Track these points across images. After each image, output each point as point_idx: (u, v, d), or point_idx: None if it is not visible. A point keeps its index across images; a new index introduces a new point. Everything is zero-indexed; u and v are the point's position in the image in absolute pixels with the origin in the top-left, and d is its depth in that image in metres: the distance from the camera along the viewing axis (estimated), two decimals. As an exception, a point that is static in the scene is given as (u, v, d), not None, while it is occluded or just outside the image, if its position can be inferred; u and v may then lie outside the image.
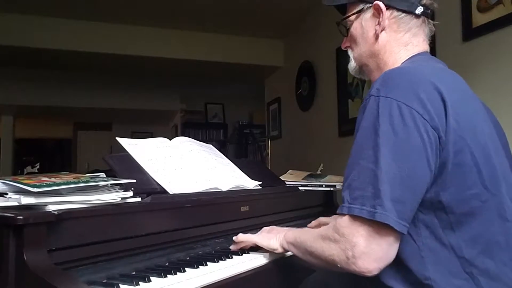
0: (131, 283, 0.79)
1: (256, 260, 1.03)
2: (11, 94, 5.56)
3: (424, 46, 0.98)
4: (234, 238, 1.08)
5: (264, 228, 1.11)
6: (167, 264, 0.96)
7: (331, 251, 0.79)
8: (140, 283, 0.80)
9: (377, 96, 0.79)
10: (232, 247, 1.08)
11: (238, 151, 6.79)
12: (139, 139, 1.19)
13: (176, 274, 0.86)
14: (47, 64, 4.78)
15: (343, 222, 0.77)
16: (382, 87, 0.80)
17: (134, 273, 0.88)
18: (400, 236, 0.76)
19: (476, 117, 0.85)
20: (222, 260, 0.99)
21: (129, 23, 3.97)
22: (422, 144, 0.76)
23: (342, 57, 3.31)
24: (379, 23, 0.96)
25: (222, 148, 6.31)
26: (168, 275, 0.85)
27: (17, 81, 5.42)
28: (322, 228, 0.87)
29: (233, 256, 1.03)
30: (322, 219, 1.37)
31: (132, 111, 6.64)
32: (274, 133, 4.69)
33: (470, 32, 2.09)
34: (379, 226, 0.73)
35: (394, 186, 0.74)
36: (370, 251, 0.74)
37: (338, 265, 0.78)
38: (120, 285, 0.78)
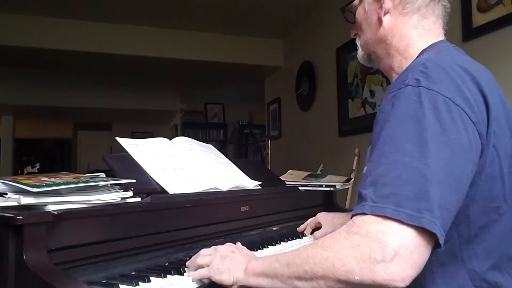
0: (131, 283, 0.79)
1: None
2: (11, 94, 5.57)
3: (437, 31, 0.90)
4: (186, 269, 0.88)
5: (218, 249, 0.88)
6: (167, 264, 0.96)
7: (344, 259, 0.63)
8: (140, 283, 0.80)
9: (417, 86, 0.69)
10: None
11: (238, 151, 6.80)
12: (139, 139, 1.18)
13: (176, 274, 0.86)
14: (47, 64, 4.79)
15: (368, 219, 0.63)
16: (422, 78, 0.70)
17: (134, 273, 0.88)
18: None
19: (508, 123, 0.78)
20: (222, 260, 0.98)
21: (129, 23, 3.97)
22: (469, 147, 0.67)
23: (342, 57, 3.31)
24: (381, 7, 0.89)
25: (222, 148, 6.31)
26: (168, 275, 0.85)
27: (17, 81, 5.42)
28: (321, 239, 0.71)
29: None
30: (311, 222, 1.33)
31: (132, 111, 6.65)
32: (274, 133, 4.69)
33: (470, 32, 2.09)
34: (417, 231, 0.61)
35: (443, 190, 0.63)
36: (407, 254, 0.60)
37: (356, 278, 0.61)
38: (120, 285, 0.78)
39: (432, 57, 0.79)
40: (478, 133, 0.69)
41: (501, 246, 0.74)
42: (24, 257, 0.71)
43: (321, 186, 1.65)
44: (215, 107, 7.03)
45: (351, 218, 0.68)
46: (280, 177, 1.65)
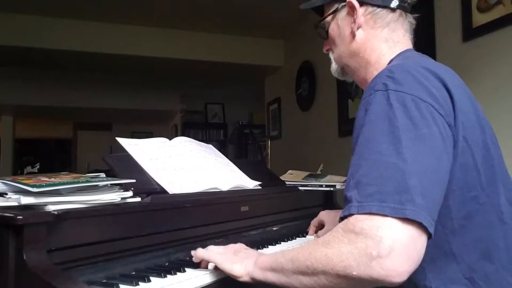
0: (131, 283, 0.79)
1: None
2: (11, 94, 5.57)
3: (406, 42, 0.94)
4: (192, 252, 0.92)
5: (231, 245, 0.93)
6: (167, 264, 0.96)
7: (342, 255, 0.65)
8: (140, 283, 0.80)
9: (385, 90, 0.73)
10: (194, 260, 0.92)
11: (238, 151, 6.79)
12: (139, 139, 1.18)
13: (176, 274, 0.86)
14: (47, 64, 4.78)
15: (360, 217, 0.65)
16: (389, 82, 0.74)
17: (134, 273, 0.88)
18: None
19: (477, 116, 0.81)
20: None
21: (129, 23, 3.97)
22: (441, 139, 0.71)
23: (342, 57, 3.31)
24: (354, 21, 0.93)
25: (222, 148, 6.31)
26: (168, 275, 0.85)
27: (17, 81, 5.42)
28: (321, 237, 0.73)
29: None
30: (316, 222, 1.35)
31: (132, 111, 6.64)
32: (274, 133, 4.69)
33: (470, 32, 2.09)
34: (405, 223, 0.63)
35: (423, 181, 0.66)
36: (402, 248, 0.61)
37: (354, 273, 0.63)
38: (120, 285, 0.78)
39: (398, 63, 0.85)
40: (448, 125, 0.73)
41: (487, 235, 0.76)
42: (24, 257, 0.71)
43: (321, 186, 1.65)
44: (215, 107, 7.02)
45: (339, 220, 0.70)
46: (280, 177, 1.65)
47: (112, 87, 5.93)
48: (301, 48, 4.14)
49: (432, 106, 0.72)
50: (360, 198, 0.67)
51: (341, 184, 1.65)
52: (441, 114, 0.72)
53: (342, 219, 0.69)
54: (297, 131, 4.19)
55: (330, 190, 1.66)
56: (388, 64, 0.90)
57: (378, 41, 0.93)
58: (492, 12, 1.97)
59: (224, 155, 1.42)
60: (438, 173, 0.69)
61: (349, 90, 3.24)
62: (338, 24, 0.98)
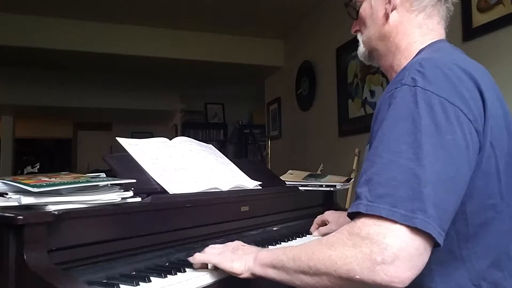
0: (131, 283, 0.79)
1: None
2: (11, 94, 5.57)
3: (439, 31, 0.90)
4: (189, 259, 0.91)
5: (229, 244, 0.92)
6: (167, 264, 0.96)
7: (346, 259, 0.64)
8: (140, 283, 0.80)
9: (413, 86, 0.69)
10: (194, 267, 0.92)
11: (238, 151, 6.79)
12: (139, 139, 1.18)
13: (176, 274, 0.86)
14: (47, 64, 4.79)
15: (367, 221, 0.64)
16: (418, 77, 0.70)
17: (134, 273, 0.88)
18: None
19: (506, 120, 0.78)
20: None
21: (129, 23, 3.97)
22: (465, 146, 0.67)
23: (342, 57, 3.31)
24: (389, 2, 0.88)
25: (222, 148, 6.31)
26: (168, 275, 0.85)
27: (17, 81, 5.42)
28: (326, 237, 0.72)
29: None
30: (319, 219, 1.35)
31: (132, 111, 6.65)
32: (274, 133, 4.69)
33: (470, 32, 2.09)
34: (414, 232, 0.62)
35: (438, 190, 0.64)
36: (407, 256, 0.61)
37: (357, 277, 0.63)
38: (120, 285, 0.78)
39: (429, 56, 0.79)
40: (476, 131, 0.70)
41: (499, 244, 0.75)
42: (25, 257, 0.71)
43: (321, 186, 1.65)
44: (215, 107, 7.02)
45: (348, 216, 0.70)
46: (280, 177, 1.65)
47: (112, 87, 5.93)
48: (301, 48, 4.14)
49: (461, 110, 0.68)
50: (370, 197, 0.65)
51: (341, 184, 1.64)
52: (469, 119, 0.69)
53: (350, 215, 0.68)
54: (297, 131, 4.19)
55: (330, 190, 1.66)
56: (418, 53, 0.86)
57: (411, 26, 0.88)
58: (492, 12, 1.97)
59: (224, 155, 1.42)
60: (455, 183, 0.66)
61: (349, 90, 3.24)
62: (371, 4, 0.93)
